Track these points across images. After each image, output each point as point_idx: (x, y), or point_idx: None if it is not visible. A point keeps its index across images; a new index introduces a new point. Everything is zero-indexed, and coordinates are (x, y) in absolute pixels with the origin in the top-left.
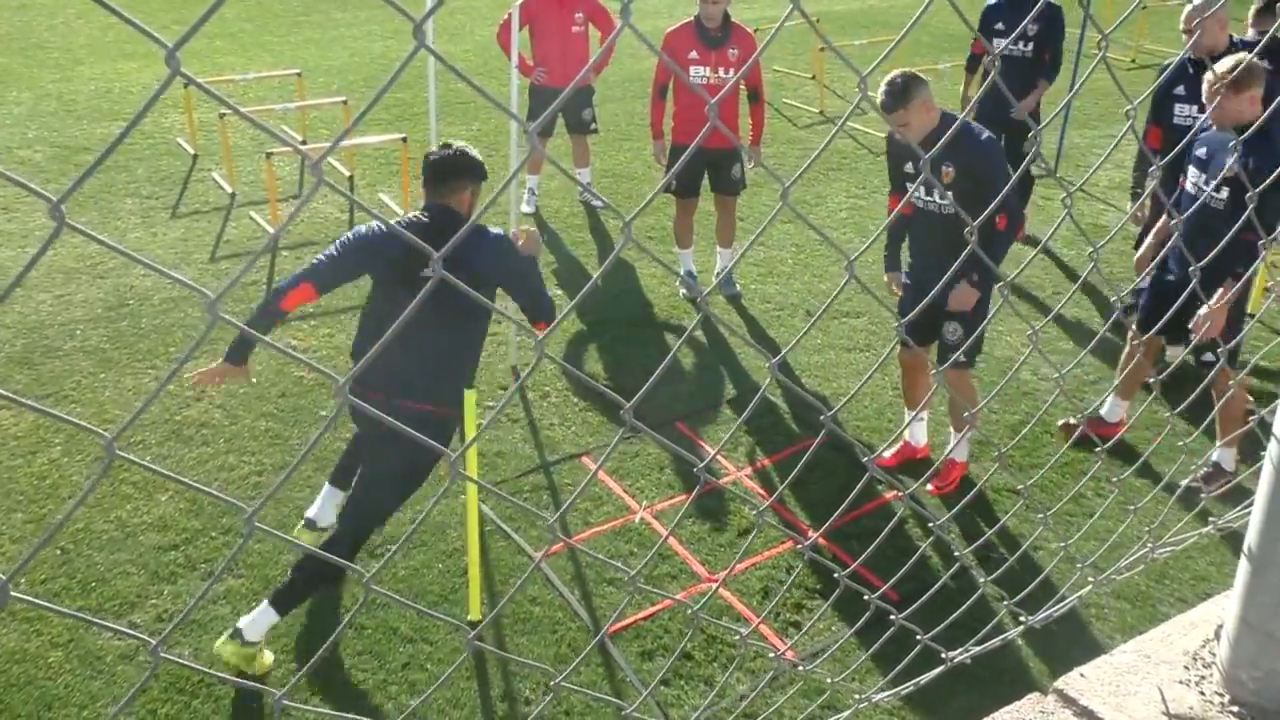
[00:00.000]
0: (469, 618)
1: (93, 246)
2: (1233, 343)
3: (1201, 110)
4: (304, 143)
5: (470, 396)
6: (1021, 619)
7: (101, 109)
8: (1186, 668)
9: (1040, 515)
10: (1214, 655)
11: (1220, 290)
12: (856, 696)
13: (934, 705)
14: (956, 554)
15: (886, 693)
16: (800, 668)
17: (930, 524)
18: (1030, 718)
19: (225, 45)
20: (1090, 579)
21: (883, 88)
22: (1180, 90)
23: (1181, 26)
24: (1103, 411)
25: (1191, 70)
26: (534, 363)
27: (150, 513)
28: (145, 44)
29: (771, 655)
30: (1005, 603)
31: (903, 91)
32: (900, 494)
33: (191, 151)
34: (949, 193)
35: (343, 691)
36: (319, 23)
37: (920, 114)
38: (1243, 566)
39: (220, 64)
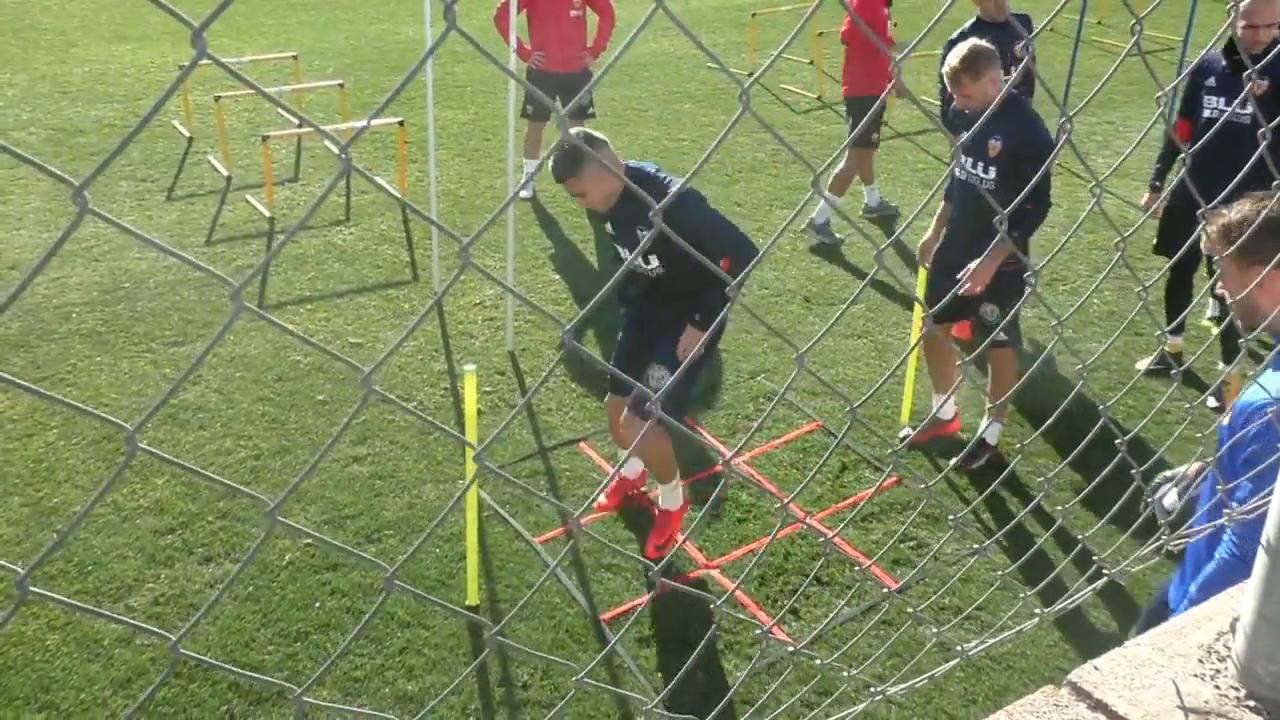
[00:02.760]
0: (467, 602)
1: (88, 229)
2: (1008, 319)
3: (1229, 104)
4: (300, 126)
5: (470, 379)
6: (1037, 611)
7: (96, 91)
8: (1201, 661)
9: (1058, 509)
10: (1229, 649)
11: (990, 250)
12: (871, 691)
13: (930, 693)
14: (975, 546)
15: (901, 687)
16: (813, 659)
17: (951, 518)
18: (1045, 710)
19: (220, 28)
20: (1105, 571)
21: (555, 155)
22: (1211, 82)
23: (1239, 20)
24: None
25: (1224, 63)
26: (559, 356)
27: (147, 496)
28: (139, 26)
29: (787, 647)
30: (1023, 594)
31: (571, 159)
32: (902, 480)
33: (187, 134)
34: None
35: (341, 677)
36: (314, 5)
37: (598, 182)
38: (1260, 559)
39: (215, 46)
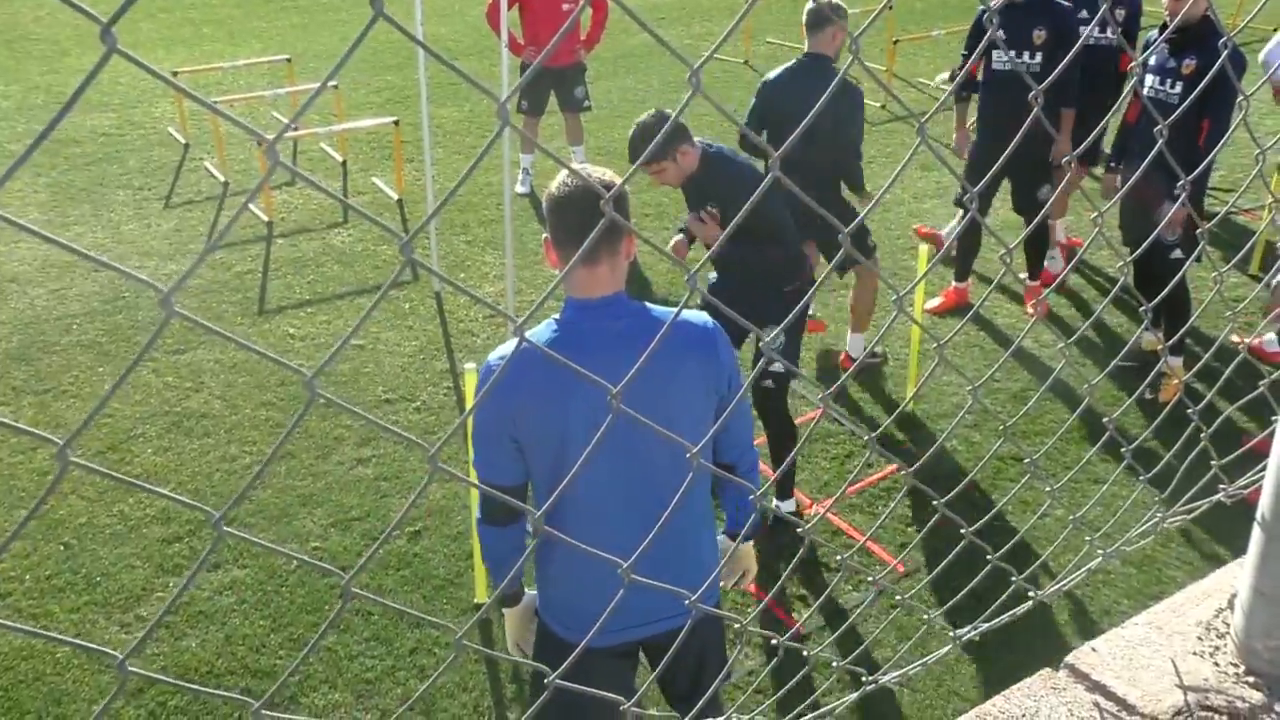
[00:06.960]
0: (475, 600)
1: (87, 239)
2: None
3: (1162, 84)
4: (295, 129)
5: (471, 377)
6: (1030, 594)
7: (90, 100)
8: (1200, 638)
9: (1048, 489)
10: (1228, 625)
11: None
12: (865, 678)
13: (942, 676)
14: (963, 530)
15: (894, 674)
16: (808, 654)
17: (935, 501)
18: (1043, 693)
19: (213, 32)
20: (1100, 550)
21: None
22: (1151, 61)
23: None
24: None
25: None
26: (516, 345)
27: (153, 505)
28: (131, 33)
29: (773, 641)
30: (1014, 578)
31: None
32: (903, 467)
33: (183, 141)
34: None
35: (352, 678)
36: (307, 7)
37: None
38: (1256, 535)
39: (208, 51)
